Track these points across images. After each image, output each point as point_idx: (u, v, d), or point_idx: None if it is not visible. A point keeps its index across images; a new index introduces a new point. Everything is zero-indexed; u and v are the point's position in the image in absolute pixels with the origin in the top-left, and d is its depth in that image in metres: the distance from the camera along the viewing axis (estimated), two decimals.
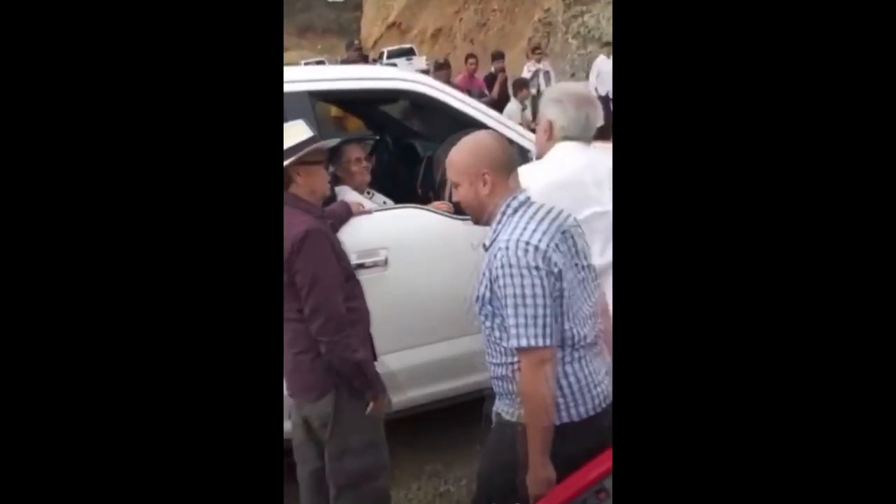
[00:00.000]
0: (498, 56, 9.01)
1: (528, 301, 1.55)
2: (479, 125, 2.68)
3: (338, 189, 2.68)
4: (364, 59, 9.55)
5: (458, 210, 2.68)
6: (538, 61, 10.55)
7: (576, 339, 1.63)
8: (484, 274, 1.62)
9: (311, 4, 53.53)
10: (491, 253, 1.62)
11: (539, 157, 2.09)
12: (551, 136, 1.99)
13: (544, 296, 1.55)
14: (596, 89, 7.51)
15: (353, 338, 1.93)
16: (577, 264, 1.66)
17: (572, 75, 19.21)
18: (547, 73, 10.43)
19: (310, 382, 1.99)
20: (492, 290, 1.61)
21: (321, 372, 1.95)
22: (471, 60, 8.71)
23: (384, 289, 2.45)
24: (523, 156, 2.63)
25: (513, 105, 7.43)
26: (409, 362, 2.62)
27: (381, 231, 2.57)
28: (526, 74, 9.85)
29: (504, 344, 1.64)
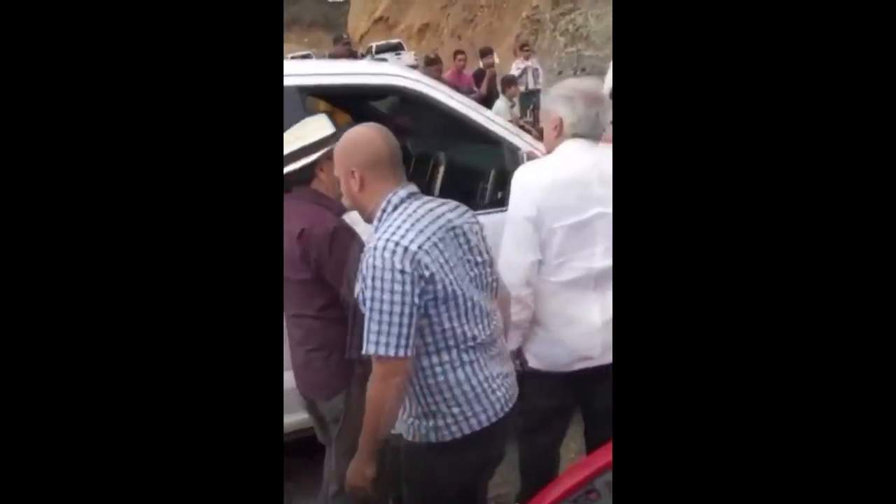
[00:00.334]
0: (487, 52, 9.02)
1: (386, 307, 1.47)
2: (469, 122, 2.68)
3: None
4: (353, 54, 9.50)
5: None
6: (526, 58, 10.58)
7: (466, 339, 1.57)
8: (360, 274, 1.56)
9: None
10: (365, 252, 1.56)
11: (547, 153, 2.07)
12: (560, 133, 1.97)
13: (406, 303, 1.47)
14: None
15: None
16: (469, 261, 1.61)
17: (560, 73, 19.25)
18: (535, 71, 10.47)
19: (323, 380, 1.97)
20: None
21: (334, 369, 1.93)
22: (459, 57, 8.71)
23: None
24: (512, 153, 2.63)
25: (501, 102, 7.44)
26: None
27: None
28: (514, 72, 9.88)
29: None
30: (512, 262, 1.92)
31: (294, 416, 2.19)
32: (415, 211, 1.58)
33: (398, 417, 1.61)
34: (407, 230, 1.52)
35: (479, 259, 1.63)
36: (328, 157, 1.87)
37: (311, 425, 2.21)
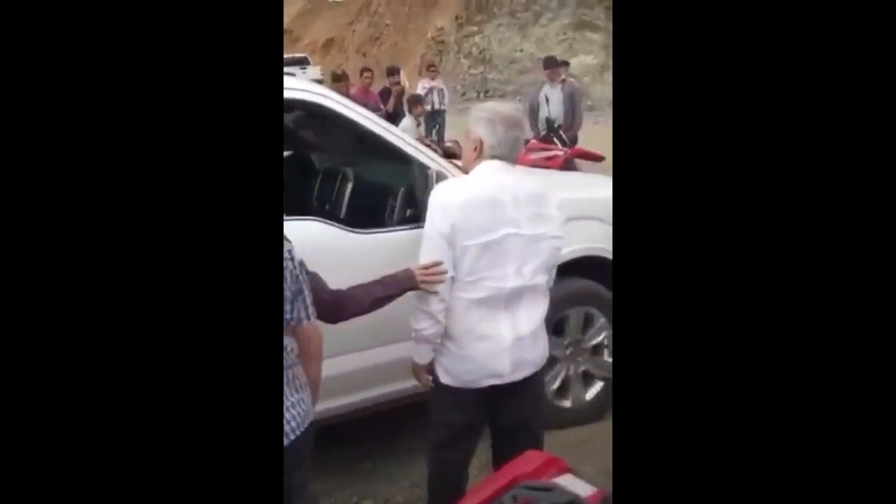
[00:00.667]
0: (394, 71, 9.06)
1: None
2: (377, 139, 2.68)
3: None
4: None
5: (358, 223, 2.68)
6: (432, 79, 10.72)
7: None
8: None
9: None
10: None
11: (465, 172, 2.12)
12: (480, 154, 2.02)
13: None
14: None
15: None
16: None
17: (464, 94, 19.64)
18: (441, 91, 10.62)
19: None
20: None
21: None
22: (366, 74, 8.70)
23: None
24: (422, 172, 2.65)
25: (407, 121, 7.48)
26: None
27: None
28: (420, 91, 9.96)
29: None
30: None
31: None
32: None
33: None
34: None
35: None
36: None
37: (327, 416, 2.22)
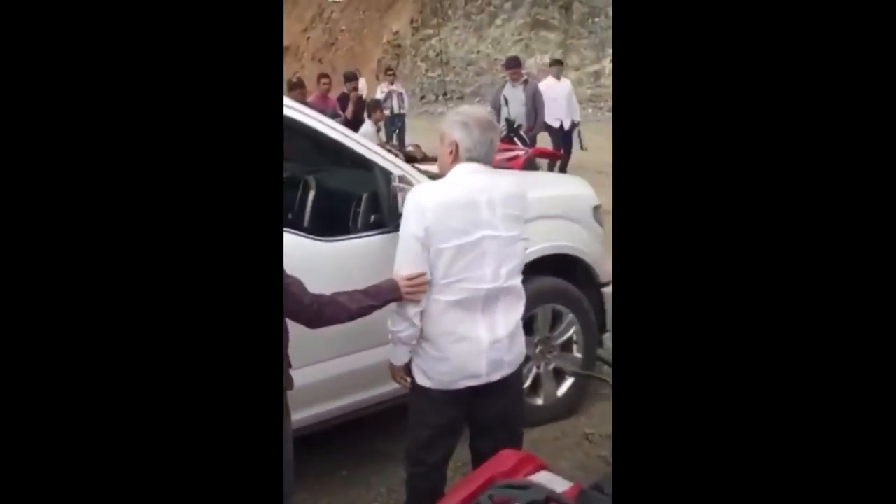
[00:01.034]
0: (351, 77, 9.02)
1: None
2: (338, 146, 2.66)
3: None
4: None
5: (323, 231, 2.66)
6: (391, 83, 10.70)
7: None
8: None
9: None
10: None
11: (441, 175, 2.13)
12: (456, 157, 2.04)
13: None
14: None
15: None
16: None
17: (423, 98, 19.65)
18: (400, 95, 10.61)
19: None
20: None
21: None
22: (324, 80, 8.65)
23: None
24: (384, 176, 2.65)
25: (367, 126, 7.46)
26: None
27: None
28: (379, 95, 9.94)
29: None
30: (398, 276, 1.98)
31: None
32: None
33: None
34: None
35: None
36: None
37: (306, 424, 2.25)
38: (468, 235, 1.95)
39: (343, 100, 8.75)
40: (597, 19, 17.11)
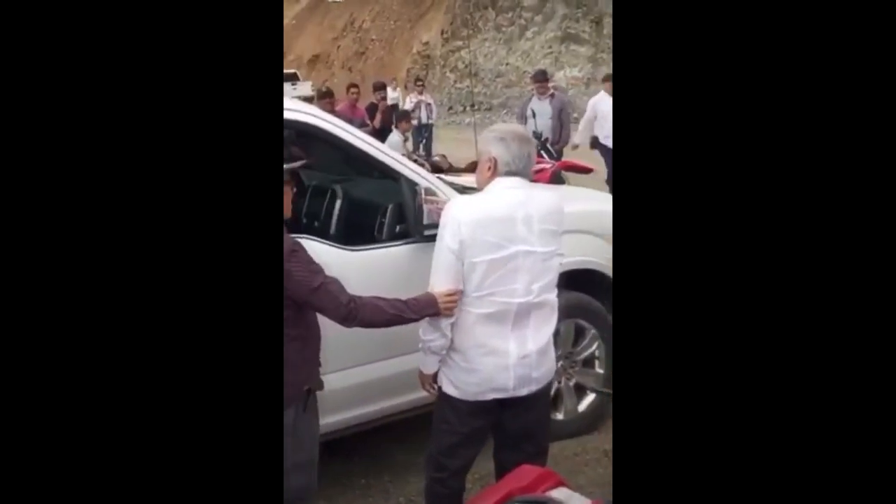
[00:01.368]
0: (380, 87, 9.08)
1: None
2: (366, 156, 2.69)
3: None
4: None
5: (348, 240, 2.68)
6: (420, 93, 10.76)
7: None
8: None
9: None
10: None
11: (480, 190, 2.16)
12: (495, 172, 2.06)
13: None
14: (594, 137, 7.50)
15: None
16: None
17: (450, 108, 19.73)
18: (429, 105, 10.65)
19: None
20: None
21: (287, 383, 1.89)
22: (353, 90, 8.71)
23: None
24: (410, 187, 2.66)
25: (395, 136, 7.50)
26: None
27: None
28: (408, 106, 9.98)
29: None
30: (435, 290, 2.01)
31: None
32: None
33: None
34: None
35: None
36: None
37: (335, 429, 2.27)
38: (502, 250, 1.96)
39: (371, 109, 8.81)
40: None
